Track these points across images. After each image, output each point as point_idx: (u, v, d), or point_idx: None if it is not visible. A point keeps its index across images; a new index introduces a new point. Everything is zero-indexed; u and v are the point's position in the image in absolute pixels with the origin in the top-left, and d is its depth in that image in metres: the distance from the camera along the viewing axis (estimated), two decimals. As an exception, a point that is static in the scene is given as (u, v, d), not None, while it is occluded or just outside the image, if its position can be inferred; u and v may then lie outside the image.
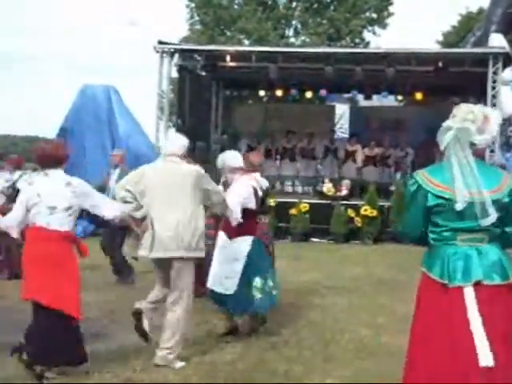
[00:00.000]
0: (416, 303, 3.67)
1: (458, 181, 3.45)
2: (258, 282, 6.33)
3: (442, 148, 3.59)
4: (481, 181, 3.46)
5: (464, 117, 3.56)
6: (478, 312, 3.43)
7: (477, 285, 3.47)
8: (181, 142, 5.91)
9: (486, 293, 3.46)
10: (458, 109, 3.67)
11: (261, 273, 6.39)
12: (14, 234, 5.32)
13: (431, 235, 3.63)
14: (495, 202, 3.47)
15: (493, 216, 3.45)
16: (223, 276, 6.23)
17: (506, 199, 3.52)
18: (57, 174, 5.23)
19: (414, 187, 3.62)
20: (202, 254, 5.64)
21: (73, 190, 5.15)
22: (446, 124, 3.58)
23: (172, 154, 5.73)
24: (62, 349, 4.99)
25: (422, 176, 3.61)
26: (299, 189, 18.48)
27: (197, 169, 5.79)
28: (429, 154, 14.75)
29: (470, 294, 3.46)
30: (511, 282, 3.53)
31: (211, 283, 6.27)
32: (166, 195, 5.47)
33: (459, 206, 3.44)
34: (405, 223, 3.81)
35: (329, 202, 15.15)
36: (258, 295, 6.32)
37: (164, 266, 5.56)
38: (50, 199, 5.07)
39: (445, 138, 3.53)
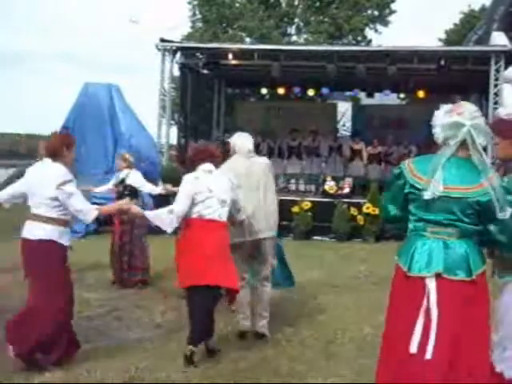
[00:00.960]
0: (390, 293, 3.78)
1: (439, 173, 3.53)
2: None
3: (453, 142, 3.61)
4: (464, 177, 3.53)
5: (472, 114, 3.61)
6: (437, 306, 3.47)
7: (439, 278, 3.51)
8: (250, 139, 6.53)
9: (448, 287, 3.50)
10: (461, 106, 3.70)
11: None
12: (175, 224, 5.54)
13: (408, 225, 3.73)
14: (471, 199, 3.50)
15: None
16: None
17: (484, 198, 3.51)
18: (216, 172, 5.76)
19: (396, 172, 3.79)
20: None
21: (231, 185, 5.71)
22: (454, 119, 3.61)
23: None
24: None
25: (407, 164, 3.75)
26: (302, 187, 18.48)
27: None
28: (431, 151, 14.72)
29: (429, 284, 3.51)
30: (474, 278, 3.52)
31: None
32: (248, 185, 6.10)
33: (428, 195, 3.52)
34: (383, 203, 3.97)
35: (331, 200, 15.15)
36: None
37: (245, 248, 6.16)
38: (221, 194, 5.59)
39: (458, 135, 3.58)
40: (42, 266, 5.21)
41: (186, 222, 5.58)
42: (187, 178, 5.66)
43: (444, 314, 3.46)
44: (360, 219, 14.57)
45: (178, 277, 5.75)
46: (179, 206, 5.50)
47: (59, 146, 5.38)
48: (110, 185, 9.25)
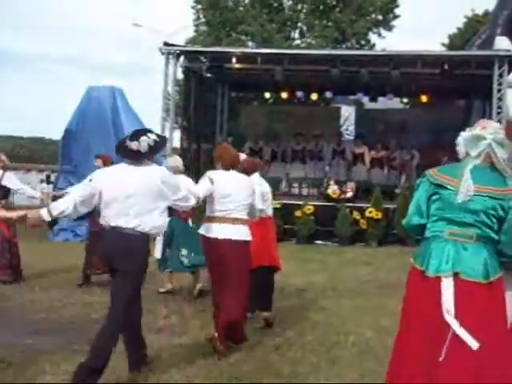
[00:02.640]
0: (405, 294, 3.79)
1: (467, 175, 3.59)
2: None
3: (461, 156, 3.77)
4: (491, 180, 3.61)
5: (496, 130, 3.74)
6: (454, 306, 3.48)
7: (456, 278, 3.52)
8: None
9: (465, 287, 3.51)
10: (486, 122, 3.87)
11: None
12: None
13: (428, 228, 3.76)
14: (498, 201, 3.55)
15: None
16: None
17: (506, 204, 3.57)
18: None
19: (421, 179, 3.86)
20: None
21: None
22: (476, 132, 3.73)
23: None
24: None
25: (432, 171, 3.81)
26: (305, 191, 18.47)
27: None
28: (434, 156, 14.75)
29: (447, 284, 3.52)
30: (492, 281, 3.53)
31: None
32: None
33: (461, 197, 3.56)
34: (408, 213, 3.93)
35: (334, 204, 15.16)
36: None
37: None
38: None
39: (478, 146, 3.68)
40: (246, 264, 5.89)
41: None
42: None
43: (463, 313, 3.47)
44: (363, 223, 14.58)
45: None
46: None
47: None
48: None
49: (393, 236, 14.51)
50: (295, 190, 18.27)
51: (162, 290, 8.48)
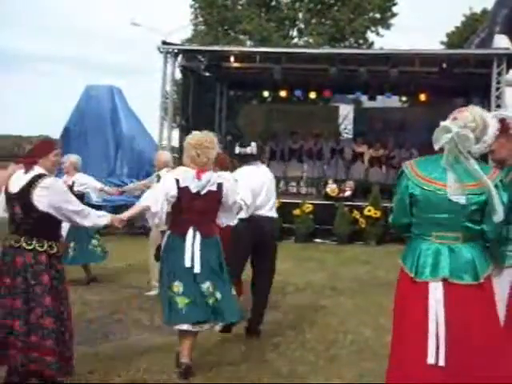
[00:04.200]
0: (394, 297, 3.75)
1: (450, 176, 3.51)
2: None
3: (436, 148, 3.64)
4: (467, 176, 3.50)
5: (465, 123, 3.56)
6: (444, 310, 3.45)
7: (445, 283, 3.49)
8: None
9: (455, 292, 3.47)
10: (460, 112, 3.68)
11: None
12: None
13: (412, 228, 3.70)
14: (478, 196, 3.49)
15: (499, 215, 3.45)
16: None
17: (483, 197, 3.50)
18: None
19: (400, 171, 3.75)
20: None
21: None
22: (445, 124, 3.61)
23: None
24: None
25: (409, 166, 3.71)
26: (304, 189, 18.45)
27: None
28: (433, 154, 14.73)
29: (436, 290, 3.48)
30: (481, 282, 3.51)
31: None
32: None
33: (458, 198, 3.47)
34: (393, 211, 3.86)
35: (332, 202, 15.15)
36: None
37: None
38: None
39: (441, 139, 3.57)
40: None
41: None
42: None
43: (451, 317, 3.44)
44: (361, 222, 14.57)
45: None
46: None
47: None
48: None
49: (391, 235, 14.48)
50: (294, 189, 18.29)
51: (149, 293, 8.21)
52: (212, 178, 5.26)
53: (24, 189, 4.44)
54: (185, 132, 17.51)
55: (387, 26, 32.50)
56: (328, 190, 15.70)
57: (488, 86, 15.19)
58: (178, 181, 5.18)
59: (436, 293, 3.48)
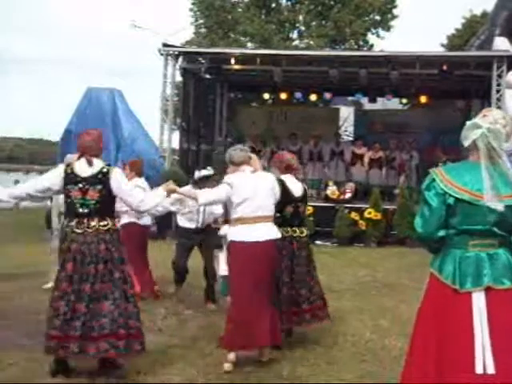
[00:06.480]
0: (422, 303, 3.62)
1: (487, 183, 3.39)
2: None
3: (466, 144, 3.53)
4: (501, 184, 3.42)
5: (496, 119, 3.50)
6: (487, 318, 3.39)
7: (487, 290, 3.43)
8: None
9: (496, 297, 3.43)
10: (489, 110, 3.63)
11: None
12: None
13: (446, 238, 3.56)
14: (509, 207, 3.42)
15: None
16: None
17: None
18: None
19: (430, 181, 3.54)
20: None
21: None
22: (474, 121, 3.52)
23: None
24: None
25: (439, 173, 3.53)
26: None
27: None
28: (433, 156, 14.76)
29: (478, 299, 3.42)
30: None
31: None
32: None
33: (496, 205, 3.37)
34: (422, 224, 3.58)
35: (333, 204, 15.16)
36: None
37: None
38: None
39: (471, 135, 3.48)
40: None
41: None
42: None
43: (495, 323, 3.39)
44: (362, 224, 14.58)
45: None
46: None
47: None
48: None
49: (392, 237, 14.52)
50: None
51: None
52: None
53: None
54: (185, 134, 17.57)
55: (388, 28, 32.50)
56: (328, 192, 15.71)
57: (488, 88, 15.22)
58: None
59: (479, 302, 3.42)
